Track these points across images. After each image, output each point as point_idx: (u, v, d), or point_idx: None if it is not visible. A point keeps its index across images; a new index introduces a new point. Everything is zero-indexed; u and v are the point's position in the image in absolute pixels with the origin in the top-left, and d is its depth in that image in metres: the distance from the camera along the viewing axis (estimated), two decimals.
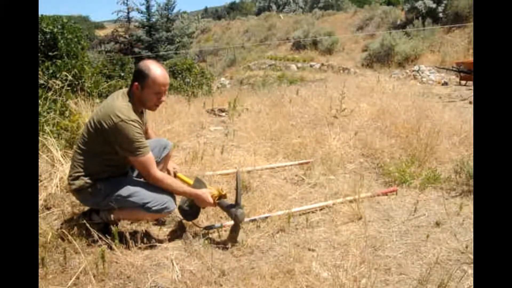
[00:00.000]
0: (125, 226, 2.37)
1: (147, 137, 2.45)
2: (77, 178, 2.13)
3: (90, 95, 4.57)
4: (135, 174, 2.36)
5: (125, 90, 2.21)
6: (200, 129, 4.59)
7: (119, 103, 2.09)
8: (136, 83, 2.11)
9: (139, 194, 2.13)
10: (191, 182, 2.41)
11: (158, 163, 2.47)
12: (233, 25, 28.49)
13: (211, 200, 2.22)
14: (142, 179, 2.24)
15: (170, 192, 2.20)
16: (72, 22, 5.59)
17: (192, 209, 2.34)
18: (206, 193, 2.23)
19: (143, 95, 2.12)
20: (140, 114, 2.20)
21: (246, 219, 2.39)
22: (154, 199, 2.12)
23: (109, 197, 2.12)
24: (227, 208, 2.25)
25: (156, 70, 2.10)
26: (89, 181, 2.11)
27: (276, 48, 20.38)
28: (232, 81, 15.54)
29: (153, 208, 2.12)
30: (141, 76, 2.10)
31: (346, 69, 14.09)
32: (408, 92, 6.46)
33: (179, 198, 2.36)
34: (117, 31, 20.45)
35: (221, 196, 2.28)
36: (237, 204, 2.21)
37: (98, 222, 2.21)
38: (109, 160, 2.14)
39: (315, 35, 18.26)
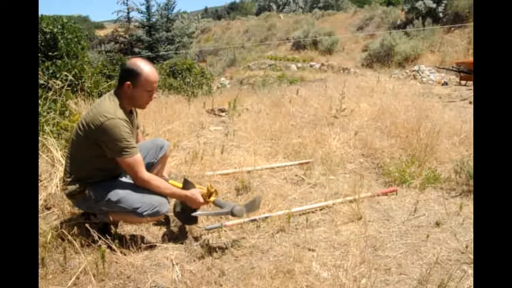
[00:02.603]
0: (125, 226, 2.37)
1: (137, 140, 2.44)
2: (69, 183, 2.12)
3: (90, 95, 4.58)
4: (127, 177, 2.35)
5: (112, 91, 2.20)
6: (200, 129, 4.58)
7: (106, 104, 2.08)
8: (128, 83, 2.09)
9: (128, 199, 2.08)
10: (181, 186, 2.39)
11: (154, 164, 2.46)
12: (233, 25, 28.50)
13: (201, 199, 2.19)
14: (131, 182, 2.22)
15: (161, 195, 2.15)
16: (72, 22, 5.60)
17: (186, 212, 2.30)
18: (196, 193, 2.20)
19: (135, 93, 2.11)
20: (129, 114, 2.18)
21: (246, 219, 2.40)
22: (143, 204, 2.08)
23: (101, 202, 2.10)
24: (224, 206, 2.23)
25: (147, 68, 2.11)
26: (80, 186, 2.10)
27: (276, 48, 20.38)
28: (232, 81, 15.55)
29: (144, 213, 2.08)
30: (132, 75, 2.09)
31: (346, 69, 14.10)
32: (408, 92, 6.46)
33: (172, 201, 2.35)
34: (117, 31, 20.48)
35: (211, 193, 2.25)
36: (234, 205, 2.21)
37: (96, 222, 2.21)
38: (100, 163, 2.11)
39: (315, 35, 18.27)
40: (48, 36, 5.04)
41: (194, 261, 2.05)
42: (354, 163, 3.52)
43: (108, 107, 2.06)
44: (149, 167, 2.40)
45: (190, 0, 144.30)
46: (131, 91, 2.11)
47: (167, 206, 2.18)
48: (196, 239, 2.28)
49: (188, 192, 2.20)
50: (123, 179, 2.29)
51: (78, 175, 2.12)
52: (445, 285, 1.77)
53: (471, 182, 2.87)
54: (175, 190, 2.23)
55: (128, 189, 2.13)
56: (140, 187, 2.12)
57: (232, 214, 2.18)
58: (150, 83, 2.11)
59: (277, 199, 2.76)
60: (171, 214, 2.43)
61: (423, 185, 3.00)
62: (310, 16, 23.33)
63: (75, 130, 2.15)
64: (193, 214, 2.24)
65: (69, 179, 2.13)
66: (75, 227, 2.15)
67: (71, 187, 2.11)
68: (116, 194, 2.09)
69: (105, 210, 2.12)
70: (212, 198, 2.26)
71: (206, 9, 51.15)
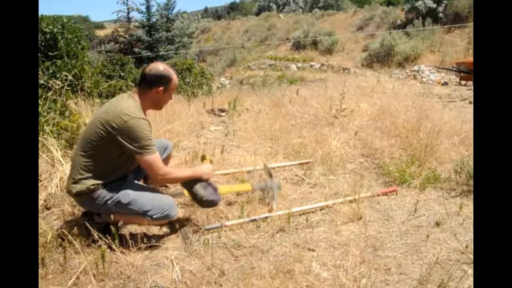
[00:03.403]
0: (125, 226, 2.37)
1: None
2: (78, 181, 2.10)
3: (90, 95, 4.58)
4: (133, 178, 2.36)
5: (129, 93, 2.22)
6: (200, 129, 4.58)
7: (126, 104, 2.10)
8: (161, 88, 2.16)
9: (138, 202, 2.11)
10: None
11: None
12: (233, 25, 28.49)
13: (209, 165, 2.39)
14: (141, 183, 2.23)
15: (170, 198, 2.20)
16: (72, 22, 5.61)
17: (208, 190, 2.33)
18: (205, 167, 2.36)
19: (164, 97, 2.21)
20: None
21: (246, 219, 2.41)
22: (154, 207, 2.10)
23: (109, 203, 2.10)
24: (267, 187, 2.70)
25: (173, 72, 2.23)
26: (90, 185, 2.09)
27: (276, 48, 20.38)
28: (232, 81, 15.56)
29: (154, 216, 2.11)
30: (165, 81, 2.17)
31: (346, 69, 14.11)
32: (408, 92, 6.46)
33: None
34: (117, 31, 20.52)
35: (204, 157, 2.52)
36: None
37: (99, 222, 2.21)
38: (114, 164, 2.12)
39: (315, 35, 18.28)
40: (48, 36, 5.04)
41: (194, 261, 2.05)
42: (354, 163, 3.52)
43: (130, 106, 2.08)
44: None
45: (190, 0, 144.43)
46: (160, 95, 2.18)
47: (176, 209, 2.21)
48: (196, 239, 2.28)
49: (201, 168, 2.33)
50: (132, 180, 2.31)
51: (90, 174, 2.10)
52: (445, 285, 1.77)
53: (471, 182, 2.87)
54: (193, 169, 2.33)
55: (138, 191, 2.15)
56: (162, 183, 2.15)
57: (279, 188, 2.73)
58: (176, 86, 2.25)
59: (277, 199, 2.76)
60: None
61: (423, 185, 2.99)
62: (310, 16, 23.33)
63: (91, 129, 2.11)
64: (272, 205, 2.61)
65: (78, 177, 2.10)
66: (75, 227, 2.16)
67: (80, 187, 2.09)
68: (126, 196, 2.11)
69: (113, 210, 2.12)
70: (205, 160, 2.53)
71: (206, 9, 51.17)
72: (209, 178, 2.33)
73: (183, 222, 2.43)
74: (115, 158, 2.10)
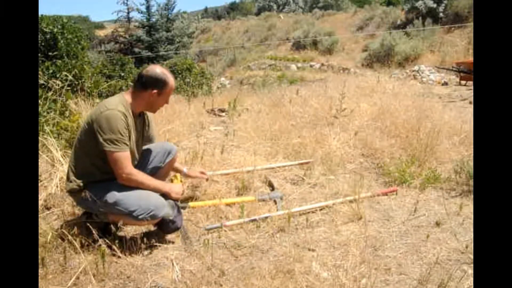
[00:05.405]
0: (126, 226, 2.36)
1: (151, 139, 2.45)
2: (70, 180, 2.13)
3: (90, 95, 4.58)
4: None
5: (123, 92, 2.24)
6: (200, 129, 4.58)
7: (111, 99, 2.16)
8: (155, 91, 2.14)
9: (124, 202, 2.06)
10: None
11: (160, 169, 2.46)
12: (233, 25, 28.51)
13: (180, 185, 2.35)
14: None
15: (159, 198, 2.13)
16: (72, 22, 5.61)
17: (174, 210, 2.22)
18: (175, 185, 2.33)
19: (158, 100, 2.18)
20: (137, 117, 2.21)
21: (246, 219, 2.41)
22: (139, 207, 2.05)
23: (98, 203, 2.08)
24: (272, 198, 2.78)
25: (170, 76, 2.20)
26: (80, 183, 2.10)
27: (276, 48, 20.39)
28: (232, 81, 15.56)
29: (140, 217, 2.05)
30: (160, 84, 2.15)
31: (346, 69, 14.12)
32: (408, 92, 6.46)
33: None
34: (117, 31, 20.52)
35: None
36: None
37: (97, 221, 2.21)
38: (100, 161, 2.10)
39: (315, 35, 18.29)
40: (48, 36, 5.04)
41: (194, 261, 2.05)
42: (354, 163, 3.52)
43: (111, 101, 2.12)
44: (155, 171, 2.40)
45: (190, 0, 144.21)
46: (154, 98, 2.16)
47: (165, 210, 2.12)
48: (196, 239, 2.28)
49: (171, 186, 2.28)
50: None
51: (78, 172, 2.12)
52: (445, 285, 1.77)
53: (471, 182, 2.87)
54: (162, 183, 2.26)
55: (125, 191, 2.10)
56: (127, 184, 2.09)
57: (282, 199, 2.78)
58: (171, 90, 2.22)
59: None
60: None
61: (423, 185, 3.00)
62: (310, 16, 23.37)
63: (81, 127, 2.20)
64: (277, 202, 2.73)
65: (69, 176, 2.13)
66: (75, 227, 2.15)
67: (72, 185, 2.12)
68: (112, 196, 2.07)
69: (104, 210, 2.11)
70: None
71: (206, 9, 51.13)
72: (177, 199, 2.26)
73: (183, 221, 2.42)
74: (99, 154, 2.06)
